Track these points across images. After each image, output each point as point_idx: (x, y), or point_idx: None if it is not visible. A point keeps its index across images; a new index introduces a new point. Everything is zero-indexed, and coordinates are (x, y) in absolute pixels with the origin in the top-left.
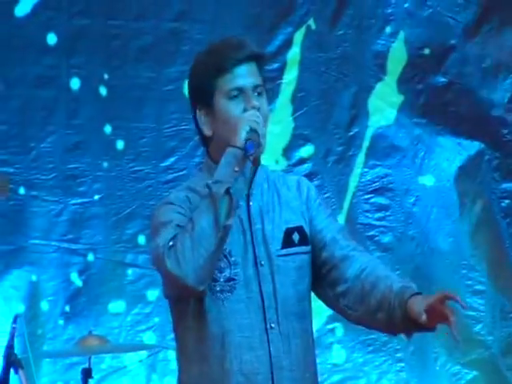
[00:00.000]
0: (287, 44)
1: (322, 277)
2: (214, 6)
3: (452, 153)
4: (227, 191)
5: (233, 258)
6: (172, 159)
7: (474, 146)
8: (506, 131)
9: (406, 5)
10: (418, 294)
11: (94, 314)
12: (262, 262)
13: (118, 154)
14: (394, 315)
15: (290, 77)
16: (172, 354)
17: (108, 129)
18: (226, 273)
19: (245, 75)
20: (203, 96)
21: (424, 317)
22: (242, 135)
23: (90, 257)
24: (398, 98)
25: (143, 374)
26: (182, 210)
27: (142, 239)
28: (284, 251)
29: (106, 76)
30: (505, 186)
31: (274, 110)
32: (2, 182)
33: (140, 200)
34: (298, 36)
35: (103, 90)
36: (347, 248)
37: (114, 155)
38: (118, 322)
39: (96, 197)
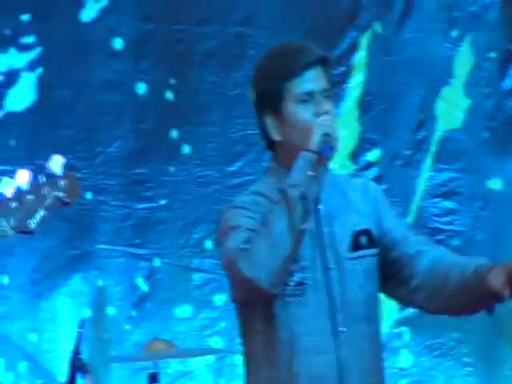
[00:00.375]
0: (353, 48)
1: (394, 275)
2: (279, 10)
3: None
4: (302, 195)
5: (302, 262)
6: (239, 164)
7: None
8: None
9: (472, 8)
10: (492, 268)
11: (160, 319)
12: (331, 266)
13: (184, 158)
14: (475, 295)
15: (357, 81)
16: (239, 359)
17: (174, 134)
18: (296, 277)
19: (314, 79)
20: (271, 100)
21: (508, 291)
22: (316, 139)
23: (156, 262)
24: (466, 102)
25: (210, 378)
26: (251, 214)
27: (208, 244)
28: (352, 254)
29: (172, 81)
30: None
31: (340, 114)
32: (72, 185)
33: (206, 205)
34: (364, 40)
35: (169, 95)
36: (417, 244)
37: (180, 160)
38: (185, 327)
39: (162, 202)
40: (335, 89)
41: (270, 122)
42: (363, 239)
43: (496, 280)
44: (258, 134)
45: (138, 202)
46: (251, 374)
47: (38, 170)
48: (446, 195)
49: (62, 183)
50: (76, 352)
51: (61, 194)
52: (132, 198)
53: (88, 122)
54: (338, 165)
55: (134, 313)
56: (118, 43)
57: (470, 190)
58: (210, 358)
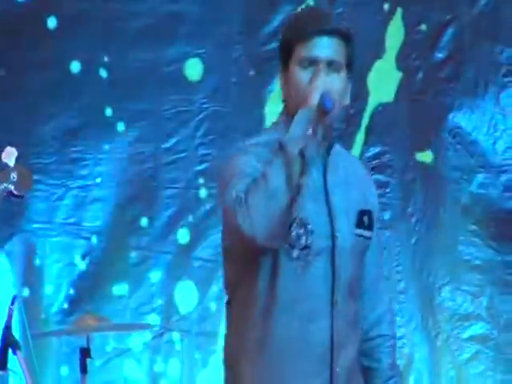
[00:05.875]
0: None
1: None
2: None
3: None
4: (301, 151)
5: (310, 226)
6: (173, 140)
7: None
8: None
9: None
10: None
11: (97, 297)
12: (338, 235)
13: (119, 136)
14: None
15: None
16: (176, 336)
17: (109, 111)
18: (303, 240)
19: (322, 47)
20: (283, 58)
21: None
22: (315, 97)
23: (94, 240)
24: (397, 75)
25: (147, 356)
26: (254, 163)
27: (144, 221)
28: (356, 230)
29: (106, 58)
30: None
31: (274, 91)
32: (23, 177)
33: (142, 182)
34: None
35: (103, 73)
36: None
37: (114, 138)
38: (122, 305)
39: (98, 180)
40: (268, 65)
41: (281, 78)
42: (366, 219)
43: None
44: (191, 111)
45: (73, 180)
46: (240, 334)
47: None
48: (377, 168)
49: (12, 176)
50: (7, 328)
51: (11, 187)
52: (67, 177)
53: (23, 101)
54: None
55: (71, 291)
56: (52, 22)
57: (401, 163)
58: (147, 336)
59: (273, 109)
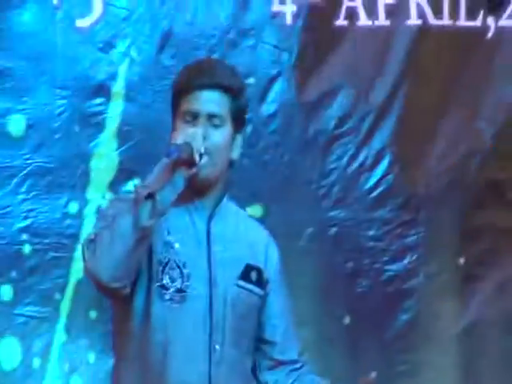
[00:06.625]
0: (112, 77)
1: None
2: None
3: None
4: (150, 195)
5: (186, 270)
6: None
7: None
8: None
9: (230, 35)
10: None
11: None
12: (218, 282)
13: None
14: None
15: (115, 111)
16: None
17: None
18: (178, 283)
19: (202, 100)
20: (172, 113)
21: None
22: (172, 145)
23: None
24: None
25: None
26: (115, 205)
27: None
28: (241, 283)
29: None
30: None
31: (98, 144)
32: None
33: None
34: (122, 68)
35: None
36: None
37: None
38: None
39: None
40: (96, 119)
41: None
42: (253, 275)
43: None
44: (15, 167)
45: None
46: (122, 369)
47: None
48: None
49: None
50: None
51: None
52: None
53: None
54: (99, 195)
55: None
56: None
57: None
58: None
59: (98, 164)
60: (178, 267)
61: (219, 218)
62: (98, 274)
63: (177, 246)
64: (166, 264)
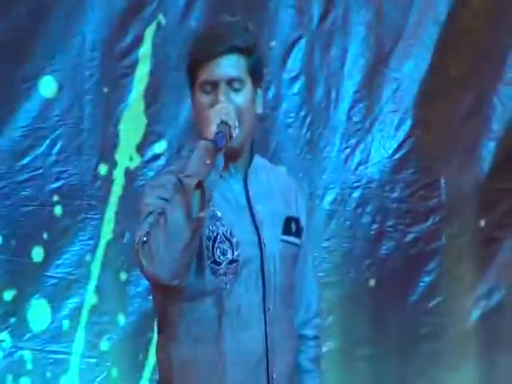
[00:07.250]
0: (138, 40)
1: None
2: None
3: None
4: (199, 184)
5: (234, 239)
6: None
7: None
8: None
9: None
10: None
11: None
12: (265, 242)
13: None
14: None
15: (142, 73)
16: (28, 355)
17: None
18: (229, 255)
19: (219, 67)
20: (189, 84)
21: None
22: (212, 129)
23: None
24: None
25: None
26: (165, 195)
27: None
28: (284, 237)
29: None
30: None
31: (128, 106)
32: None
33: None
34: (148, 32)
35: None
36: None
37: None
38: None
39: None
40: (124, 81)
41: (191, 102)
42: (293, 226)
43: None
44: (46, 128)
45: None
46: (172, 348)
47: None
48: None
49: None
50: None
51: None
52: None
53: None
54: (127, 157)
55: None
56: None
57: None
58: None
59: (127, 126)
60: (227, 239)
61: (253, 177)
62: (159, 276)
63: (219, 214)
64: (215, 239)
